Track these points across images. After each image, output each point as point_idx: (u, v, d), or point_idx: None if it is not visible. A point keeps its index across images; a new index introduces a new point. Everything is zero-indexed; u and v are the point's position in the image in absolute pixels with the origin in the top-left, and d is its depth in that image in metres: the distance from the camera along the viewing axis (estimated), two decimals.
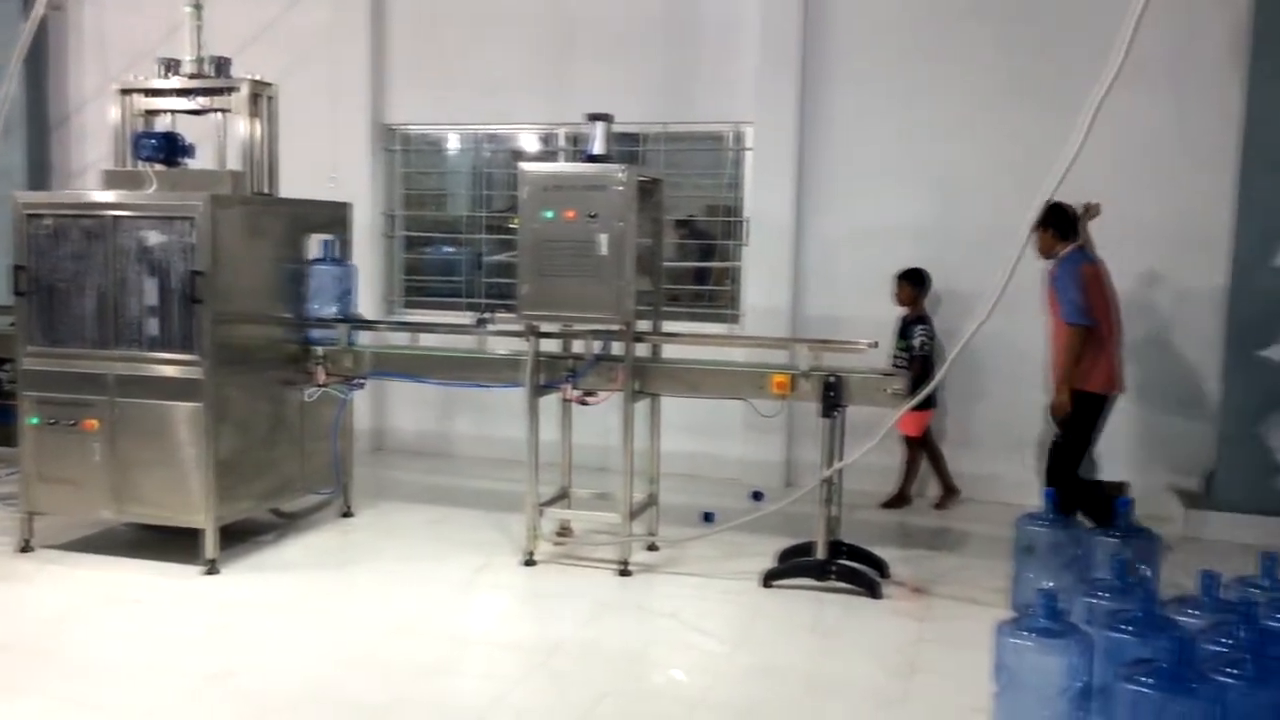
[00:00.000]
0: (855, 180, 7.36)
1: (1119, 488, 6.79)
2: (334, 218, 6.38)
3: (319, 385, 6.08)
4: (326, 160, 8.03)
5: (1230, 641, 3.51)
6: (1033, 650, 3.69)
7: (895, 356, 6.69)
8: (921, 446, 7.11)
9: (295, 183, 6.46)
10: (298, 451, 6.09)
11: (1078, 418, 5.80)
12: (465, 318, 6.92)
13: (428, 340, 6.46)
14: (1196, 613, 3.85)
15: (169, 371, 5.46)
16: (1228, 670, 3.36)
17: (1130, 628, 3.67)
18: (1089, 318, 5.70)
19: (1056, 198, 4.05)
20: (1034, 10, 6.94)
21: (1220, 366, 6.55)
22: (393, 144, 8.44)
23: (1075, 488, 5.82)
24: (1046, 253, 5.91)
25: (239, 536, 5.84)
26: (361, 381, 6.26)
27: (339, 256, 6.24)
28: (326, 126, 8.14)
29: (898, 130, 7.25)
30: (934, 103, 7.17)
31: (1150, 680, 3.28)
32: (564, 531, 6.03)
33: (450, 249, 8.56)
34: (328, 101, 8.15)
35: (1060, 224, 5.82)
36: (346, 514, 6.49)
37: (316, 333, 6.12)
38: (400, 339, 6.61)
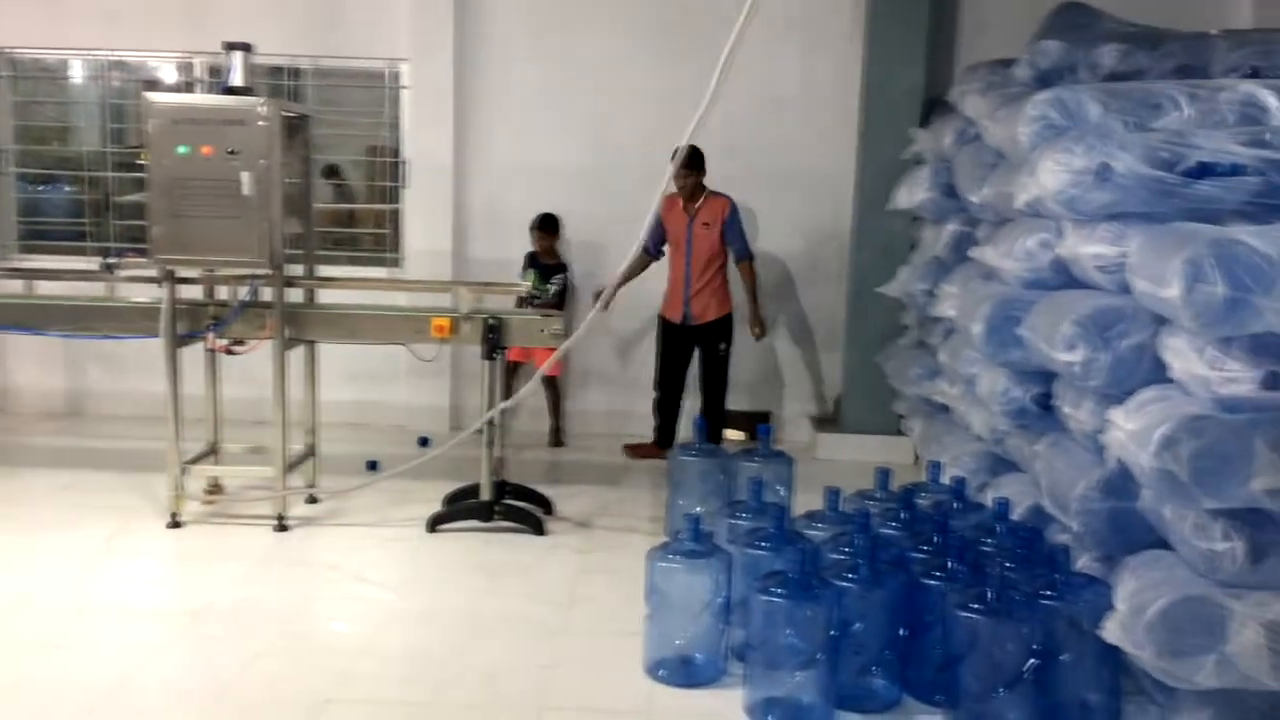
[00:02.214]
0: (515, 121, 7.36)
1: (763, 416, 7.36)
2: None
3: None
4: None
5: (849, 549, 3.90)
6: (680, 571, 3.93)
7: (531, 297, 6.76)
8: (551, 384, 7.26)
9: None
10: None
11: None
12: (91, 263, 6.29)
13: (48, 289, 5.84)
14: (822, 526, 4.25)
15: None
16: (846, 575, 3.74)
17: (765, 544, 3.99)
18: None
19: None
20: None
21: (846, 302, 7.18)
22: None
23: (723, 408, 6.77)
24: (694, 195, 6.36)
25: None
26: None
27: None
28: None
29: (555, 71, 7.31)
30: (590, 46, 7.28)
31: (780, 590, 3.58)
32: (214, 489, 5.67)
33: (74, 188, 7.74)
34: None
35: (703, 168, 6.41)
36: None
37: None
38: (15, 287, 5.92)
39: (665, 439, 6.88)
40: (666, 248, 6.68)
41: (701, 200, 6.48)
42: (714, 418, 6.70)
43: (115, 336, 5.63)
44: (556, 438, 7.33)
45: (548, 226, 7.16)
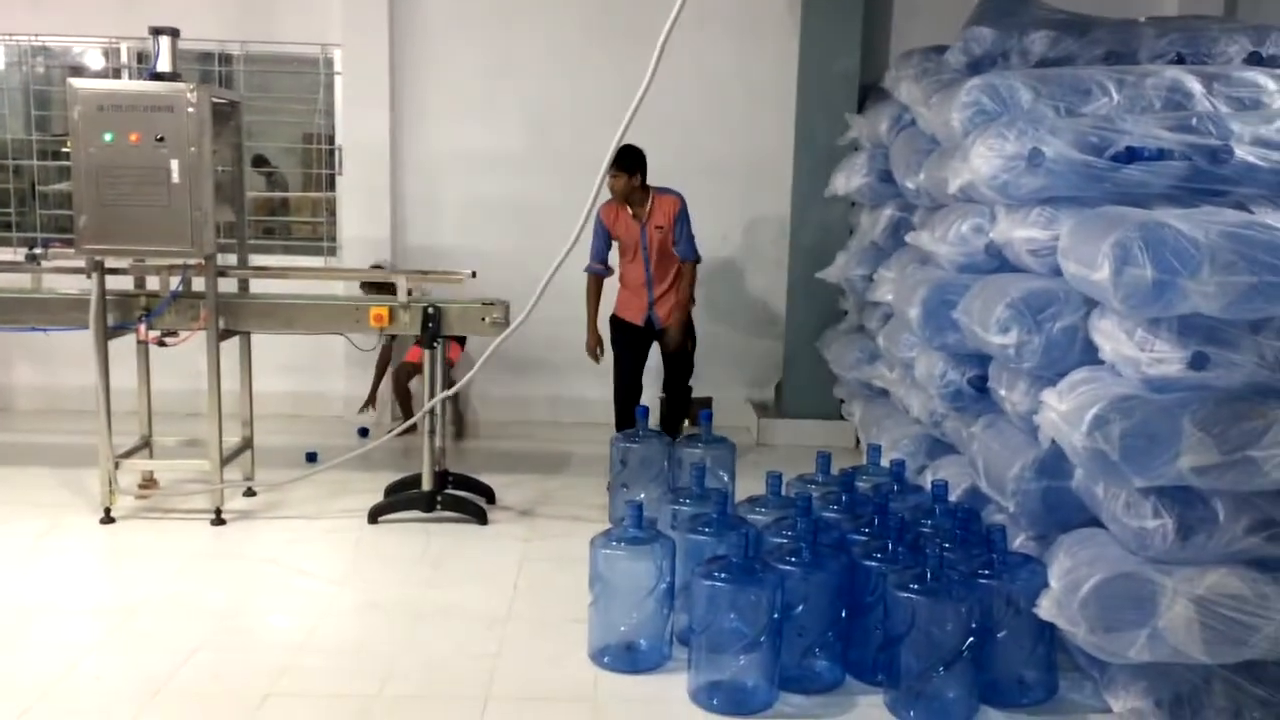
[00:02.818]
0: (452, 107, 7.29)
1: (704, 402, 7.37)
2: None
3: None
4: None
5: (790, 533, 3.93)
6: (623, 558, 3.93)
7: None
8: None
9: None
10: None
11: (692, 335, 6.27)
12: (16, 254, 6.12)
13: None
14: (764, 510, 4.27)
15: None
16: (788, 559, 3.76)
17: (707, 529, 4.01)
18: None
19: (629, 138, 4.14)
20: None
21: (786, 288, 7.22)
22: None
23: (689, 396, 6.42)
24: (639, 199, 5.95)
25: None
26: None
27: None
28: None
29: (491, 58, 7.25)
30: (527, 30, 7.23)
31: (722, 574, 3.60)
32: (147, 484, 5.56)
33: None
34: None
35: (644, 168, 5.90)
36: None
37: None
38: None
39: None
40: (616, 258, 6.22)
41: (650, 203, 5.96)
42: (676, 408, 6.39)
43: (43, 329, 5.49)
44: (459, 430, 7.14)
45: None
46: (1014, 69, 4.88)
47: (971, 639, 3.49)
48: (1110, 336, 3.37)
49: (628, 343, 6.22)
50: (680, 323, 6.11)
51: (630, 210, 6.00)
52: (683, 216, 6.01)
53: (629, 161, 5.81)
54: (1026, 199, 4.00)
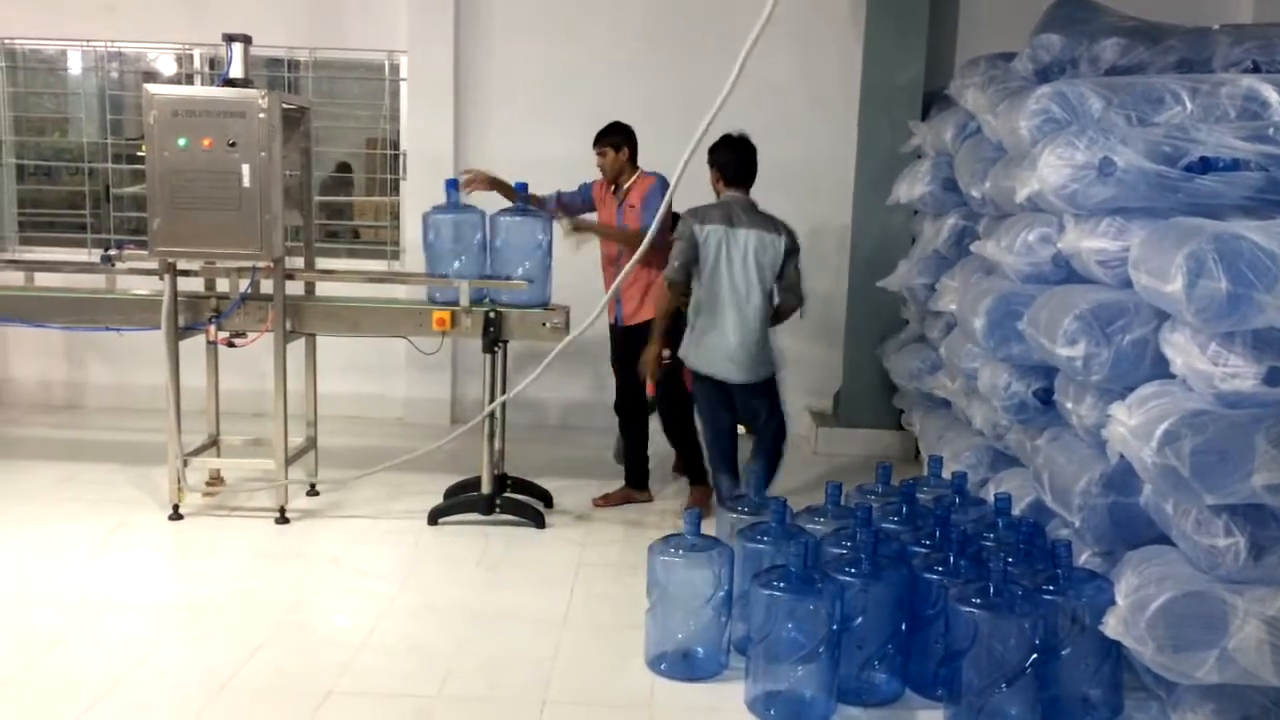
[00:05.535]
0: (514, 112, 7.35)
1: None
2: None
3: None
4: None
5: (850, 544, 3.90)
6: (680, 566, 3.93)
7: None
8: None
9: None
10: None
11: None
12: (91, 255, 6.29)
13: (47, 280, 5.83)
14: (823, 520, 4.25)
15: None
16: (847, 569, 3.74)
17: (765, 538, 4.00)
18: None
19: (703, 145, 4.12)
20: None
21: (846, 296, 7.17)
22: None
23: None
24: (620, 177, 5.75)
25: None
26: None
27: None
28: None
29: (555, 64, 7.30)
30: (590, 36, 7.27)
31: (780, 583, 3.59)
32: (214, 481, 5.68)
33: (73, 179, 7.72)
34: None
35: (632, 145, 5.69)
36: None
37: None
38: (14, 279, 5.91)
39: (638, 477, 5.95)
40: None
41: (631, 182, 5.70)
42: (686, 456, 5.90)
43: (117, 329, 5.62)
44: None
45: None
46: (1083, 77, 4.80)
47: (1035, 656, 3.44)
48: (1182, 350, 3.30)
49: (613, 349, 5.99)
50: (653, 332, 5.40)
51: (614, 191, 5.81)
52: (654, 195, 5.54)
53: (614, 137, 5.63)
54: (1096, 209, 3.93)
